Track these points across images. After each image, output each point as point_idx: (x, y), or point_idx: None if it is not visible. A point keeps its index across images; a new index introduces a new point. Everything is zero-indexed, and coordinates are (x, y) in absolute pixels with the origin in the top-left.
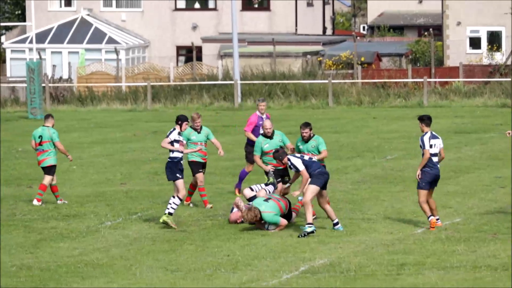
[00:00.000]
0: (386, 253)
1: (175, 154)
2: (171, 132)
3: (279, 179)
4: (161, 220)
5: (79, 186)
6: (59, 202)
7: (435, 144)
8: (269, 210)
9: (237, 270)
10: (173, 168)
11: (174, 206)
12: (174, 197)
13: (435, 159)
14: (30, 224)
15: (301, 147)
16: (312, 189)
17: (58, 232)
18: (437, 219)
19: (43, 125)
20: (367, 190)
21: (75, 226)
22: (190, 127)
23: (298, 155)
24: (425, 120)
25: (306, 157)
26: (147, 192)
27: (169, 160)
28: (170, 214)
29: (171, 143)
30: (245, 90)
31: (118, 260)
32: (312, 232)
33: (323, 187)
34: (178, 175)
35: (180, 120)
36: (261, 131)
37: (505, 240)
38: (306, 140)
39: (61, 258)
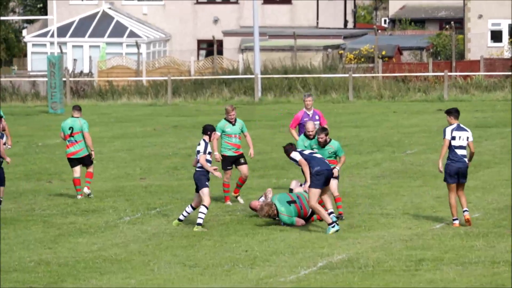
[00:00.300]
0: (404, 248)
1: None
2: (204, 146)
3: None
4: (195, 229)
5: (98, 181)
6: (79, 197)
7: (460, 137)
8: (287, 213)
9: (255, 266)
10: (203, 178)
11: (203, 216)
12: (190, 206)
13: (459, 151)
14: (49, 219)
15: (316, 150)
16: (314, 193)
17: (77, 227)
18: (465, 211)
19: (72, 116)
20: (386, 185)
21: (94, 221)
22: (225, 119)
23: (299, 149)
24: (453, 113)
25: (307, 152)
26: (166, 187)
27: (198, 170)
28: (199, 224)
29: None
30: (266, 84)
31: (136, 256)
32: (337, 230)
33: (326, 183)
34: (207, 183)
35: (209, 130)
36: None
37: None
38: (322, 146)
39: (79, 253)
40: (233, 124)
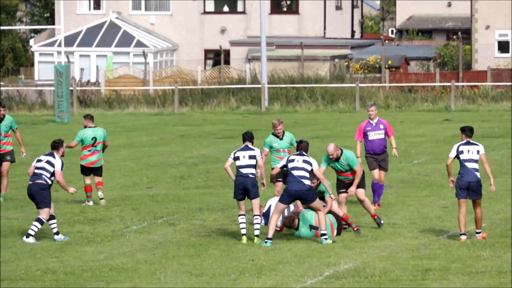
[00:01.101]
0: (411, 258)
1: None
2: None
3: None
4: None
5: (105, 190)
6: (90, 203)
7: (469, 150)
8: (303, 235)
9: (262, 275)
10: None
11: (258, 227)
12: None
13: (469, 165)
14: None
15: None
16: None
17: (83, 236)
18: (478, 233)
19: (89, 126)
20: (393, 195)
21: (101, 230)
22: (272, 134)
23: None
24: (466, 131)
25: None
26: (173, 196)
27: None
28: (257, 236)
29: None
30: (273, 94)
31: (143, 265)
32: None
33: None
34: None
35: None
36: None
37: None
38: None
39: (86, 262)
40: (281, 139)
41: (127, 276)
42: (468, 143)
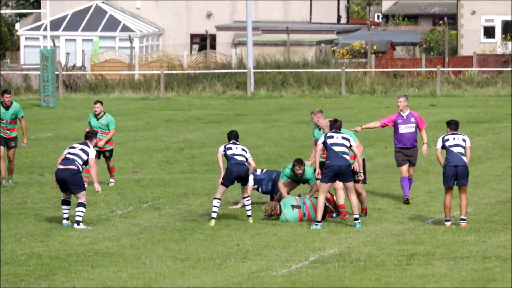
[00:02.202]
0: (396, 243)
1: None
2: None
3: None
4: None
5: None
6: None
7: (454, 138)
8: (288, 217)
9: (247, 260)
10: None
11: (250, 207)
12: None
13: (455, 149)
14: (41, 212)
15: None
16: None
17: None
18: (462, 219)
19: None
20: (379, 180)
21: (86, 214)
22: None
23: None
24: (451, 124)
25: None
26: (158, 180)
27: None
28: (250, 216)
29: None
30: (258, 79)
31: (128, 249)
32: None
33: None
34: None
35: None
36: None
37: None
38: (300, 177)
39: (71, 246)
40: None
41: (112, 261)
42: (453, 134)
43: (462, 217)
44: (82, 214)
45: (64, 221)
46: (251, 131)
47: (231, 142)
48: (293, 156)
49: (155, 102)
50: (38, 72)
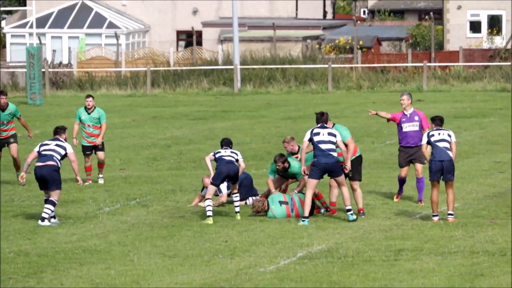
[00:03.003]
0: (384, 238)
1: None
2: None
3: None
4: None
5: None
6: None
7: (440, 133)
8: (275, 213)
9: (235, 256)
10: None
11: (238, 204)
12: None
13: (441, 144)
14: (28, 210)
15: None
16: (310, 183)
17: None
18: (450, 215)
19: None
20: (366, 176)
21: (74, 212)
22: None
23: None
24: (436, 120)
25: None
26: (145, 177)
27: None
28: (238, 212)
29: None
30: (245, 75)
31: (116, 246)
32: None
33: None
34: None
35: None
36: None
37: (503, 225)
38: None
39: (59, 244)
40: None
41: (100, 258)
42: (438, 129)
43: (450, 212)
44: (49, 211)
45: (47, 221)
46: (238, 128)
47: (222, 148)
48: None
49: (141, 99)
50: (24, 70)
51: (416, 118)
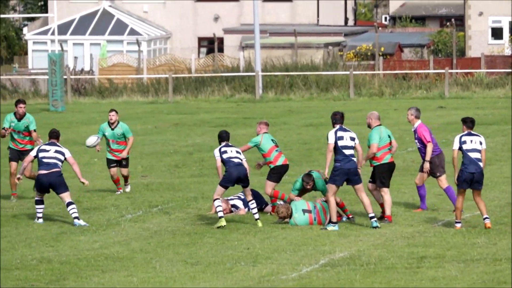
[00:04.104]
0: (406, 246)
1: None
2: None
3: None
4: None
5: (100, 179)
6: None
7: (472, 140)
8: (298, 221)
9: (257, 264)
10: None
11: (256, 210)
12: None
13: (472, 154)
14: (51, 217)
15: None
16: (331, 188)
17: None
18: (486, 218)
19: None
20: None
21: (96, 219)
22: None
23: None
24: (467, 122)
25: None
26: (167, 184)
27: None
28: (259, 219)
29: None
30: (267, 82)
31: (138, 254)
32: (334, 230)
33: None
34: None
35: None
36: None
37: None
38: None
39: (81, 251)
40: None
41: (123, 265)
42: (469, 134)
43: (485, 216)
44: (76, 210)
45: (40, 220)
46: None
47: (223, 144)
48: (302, 159)
49: (163, 105)
50: (46, 77)
51: (416, 135)
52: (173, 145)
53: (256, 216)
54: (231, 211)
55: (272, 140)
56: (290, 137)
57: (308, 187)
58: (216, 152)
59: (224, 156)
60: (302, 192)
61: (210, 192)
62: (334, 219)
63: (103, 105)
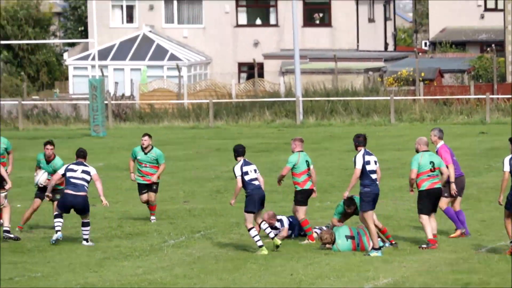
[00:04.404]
0: (450, 272)
1: None
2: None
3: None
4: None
5: (142, 204)
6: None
7: None
8: (340, 248)
9: None
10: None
11: (270, 229)
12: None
13: None
14: (94, 242)
15: None
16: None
17: (121, 251)
18: None
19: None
20: None
21: (139, 244)
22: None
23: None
24: None
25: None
26: (210, 210)
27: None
28: (274, 236)
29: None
30: (307, 107)
31: (181, 279)
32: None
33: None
34: None
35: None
36: None
37: None
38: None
39: (124, 277)
40: None
41: None
42: None
43: None
44: (88, 232)
45: (59, 234)
46: None
47: (242, 161)
48: (344, 185)
49: (204, 131)
50: (87, 102)
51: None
52: (215, 170)
53: (272, 235)
54: (276, 228)
55: (307, 161)
56: (331, 162)
57: (350, 211)
58: (238, 170)
59: (246, 178)
60: (344, 216)
61: None
62: (377, 245)
63: (144, 130)
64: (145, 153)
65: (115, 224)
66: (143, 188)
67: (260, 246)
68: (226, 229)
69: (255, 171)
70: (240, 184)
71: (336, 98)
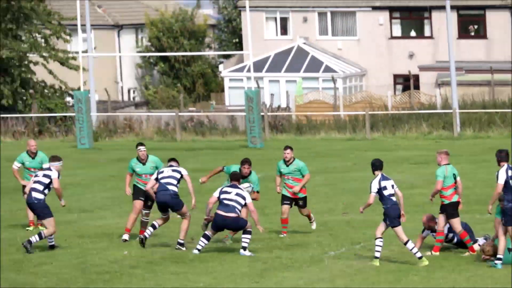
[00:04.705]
0: None
1: None
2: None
3: None
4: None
5: (300, 216)
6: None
7: None
8: (503, 260)
9: None
10: None
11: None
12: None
13: None
14: (255, 253)
15: None
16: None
17: (282, 262)
18: None
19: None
20: None
21: (299, 255)
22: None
23: None
24: None
25: None
26: (370, 222)
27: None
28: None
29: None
30: (464, 119)
31: None
32: None
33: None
34: None
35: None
36: None
37: None
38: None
39: None
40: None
41: None
42: None
43: None
44: (249, 240)
45: (195, 251)
46: (460, 172)
47: (380, 176)
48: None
49: (361, 142)
50: (243, 113)
51: None
52: None
53: (418, 255)
54: (435, 230)
55: (454, 174)
56: (491, 175)
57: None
58: (374, 186)
59: (385, 192)
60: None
61: (411, 230)
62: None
63: (301, 141)
64: (287, 165)
65: (275, 236)
66: (286, 199)
67: (420, 258)
68: (386, 241)
69: (392, 186)
70: (371, 200)
71: (493, 110)
